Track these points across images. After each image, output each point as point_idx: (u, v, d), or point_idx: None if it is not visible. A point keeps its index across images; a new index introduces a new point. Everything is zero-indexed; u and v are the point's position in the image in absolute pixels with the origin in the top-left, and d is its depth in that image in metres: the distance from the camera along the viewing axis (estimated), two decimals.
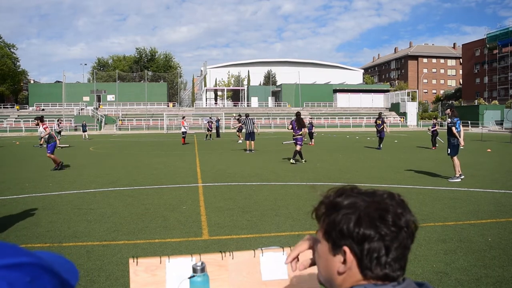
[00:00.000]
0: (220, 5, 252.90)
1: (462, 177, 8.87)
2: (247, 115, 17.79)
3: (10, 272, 0.53)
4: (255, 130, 16.92)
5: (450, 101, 64.71)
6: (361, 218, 0.77)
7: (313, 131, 22.64)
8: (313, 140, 22.13)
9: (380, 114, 19.38)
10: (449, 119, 9.22)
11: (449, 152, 9.24)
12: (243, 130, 17.55)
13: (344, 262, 0.78)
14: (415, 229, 0.79)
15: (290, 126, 12.64)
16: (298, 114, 12.85)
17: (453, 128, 9.03)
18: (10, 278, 0.53)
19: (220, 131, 32.93)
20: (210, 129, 28.98)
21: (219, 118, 35.34)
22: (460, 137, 9.02)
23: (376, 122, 18.82)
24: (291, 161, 12.31)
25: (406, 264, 0.79)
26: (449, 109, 9.28)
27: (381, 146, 18.22)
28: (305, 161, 12.57)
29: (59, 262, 0.68)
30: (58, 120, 21.77)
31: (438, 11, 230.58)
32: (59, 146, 19.99)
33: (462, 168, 9.28)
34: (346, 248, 0.77)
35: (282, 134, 37.06)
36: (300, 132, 12.45)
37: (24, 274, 0.54)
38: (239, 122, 24.91)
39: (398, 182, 8.71)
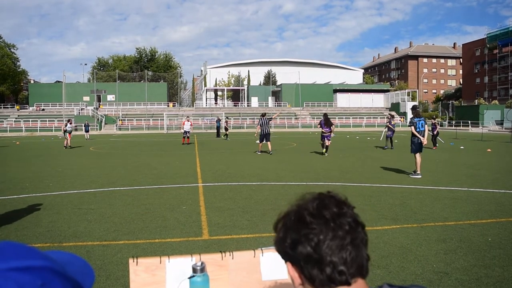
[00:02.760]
0: (221, 5, 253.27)
1: (419, 176, 9.36)
2: (263, 115, 16.30)
3: (21, 275, 0.53)
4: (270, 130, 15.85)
5: (450, 101, 64.69)
6: (286, 228, 0.80)
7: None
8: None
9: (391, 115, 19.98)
10: (409, 119, 9.99)
11: (411, 150, 9.87)
12: (258, 131, 16.16)
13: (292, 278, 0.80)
14: (351, 222, 0.75)
15: (319, 125, 15.10)
16: (325, 115, 15.25)
17: (412, 128, 9.66)
18: (21, 281, 0.52)
19: (221, 130, 32.93)
20: (227, 128, 28.86)
21: (219, 118, 35.37)
22: (423, 136, 9.60)
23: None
24: (326, 154, 14.75)
25: (360, 265, 0.74)
26: (412, 110, 10.05)
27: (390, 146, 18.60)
28: (326, 154, 14.78)
29: (74, 264, 0.67)
30: (68, 120, 22.34)
31: (439, 11, 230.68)
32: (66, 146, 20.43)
33: (463, 168, 9.31)
34: (287, 264, 0.79)
35: (282, 134, 37.03)
36: (330, 130, 14.80)
37: (36, 277, 0.54)
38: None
39: (398, 182, 8.71)
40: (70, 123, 21.78)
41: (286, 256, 0.80)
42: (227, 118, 32.87)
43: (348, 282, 0.73)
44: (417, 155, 9.58)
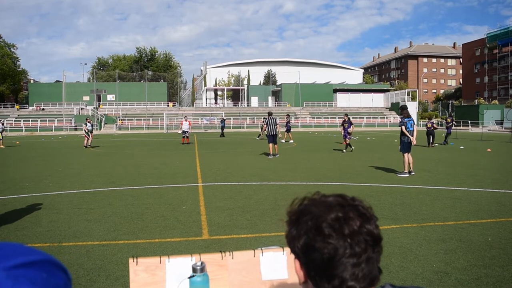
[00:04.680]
0: (222, 4, 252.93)
1: (413, 173, 9.63)
2: (270, 114, 15.25)
3: (28, 270, 0.54)
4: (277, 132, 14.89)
5: (450, 101, 64.71)
6: (300, 229, 0.77)
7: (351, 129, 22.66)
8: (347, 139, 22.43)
9: (450, 114, 21.51)
10: (400, 119, 10.16)
11: (400, 149, 10.05)
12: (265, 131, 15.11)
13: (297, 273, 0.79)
14: (370, 241, 0.73)
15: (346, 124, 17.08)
16: (346, 115, 17.69)
17: (403, 127, 9.84)
18: (30, 276, 0.53)
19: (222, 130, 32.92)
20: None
21: (224, 118, 35.10)
22: (412, 136, 9.78)
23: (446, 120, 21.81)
24: (344, 151, 16.42)
25: (372, 279, 0.73)
26: (401, 110, 10.16)
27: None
28: (343, 151, 16.36)
29: None
30: (87, 119, 22.33)
31: (440, 10, 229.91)
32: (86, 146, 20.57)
33: (463, 167, 9.28)
34: (295, 261, 0.79)
35: (281, 133, 37.02)
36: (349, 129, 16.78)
37: (41, 271, 0.56)
38: (283, 122, 24.17)
39: (398, 182, 8.71)
40: (90, 123, 21.81)
41: (295, 254, 0.79)
42: (264, 118, 32.53)
43: None
44: (406, 154, 9.79)
